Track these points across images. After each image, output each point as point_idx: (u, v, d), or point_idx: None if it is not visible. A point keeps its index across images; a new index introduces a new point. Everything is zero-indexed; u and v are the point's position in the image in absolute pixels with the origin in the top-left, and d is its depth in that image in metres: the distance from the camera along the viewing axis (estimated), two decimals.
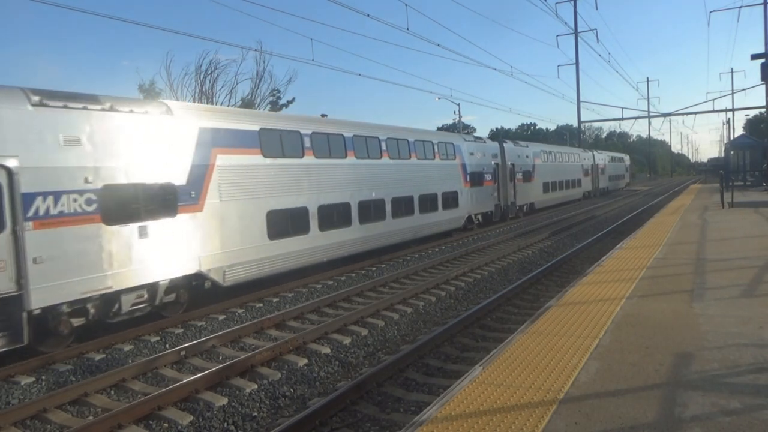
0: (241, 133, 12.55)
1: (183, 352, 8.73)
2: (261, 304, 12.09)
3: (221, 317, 11.11)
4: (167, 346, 9.52)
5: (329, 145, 15.43)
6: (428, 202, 20.00)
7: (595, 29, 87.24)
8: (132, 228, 9.87)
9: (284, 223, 13.42)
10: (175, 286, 10.84)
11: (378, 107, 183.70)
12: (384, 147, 17.79)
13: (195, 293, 11.52)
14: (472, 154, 23.86)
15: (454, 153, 22.32)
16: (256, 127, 13.01)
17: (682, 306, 6.56)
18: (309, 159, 14.50)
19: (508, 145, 29.05)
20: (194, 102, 29.90)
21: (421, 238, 19.93)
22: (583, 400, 4.10)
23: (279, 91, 34.12)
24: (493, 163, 26.10)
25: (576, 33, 52.78)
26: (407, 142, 19.23)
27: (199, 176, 11.30)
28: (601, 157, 52.09)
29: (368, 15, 23.71)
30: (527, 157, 31.29)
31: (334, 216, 15.16)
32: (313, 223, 14.38)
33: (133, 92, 29.57)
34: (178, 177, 10.88)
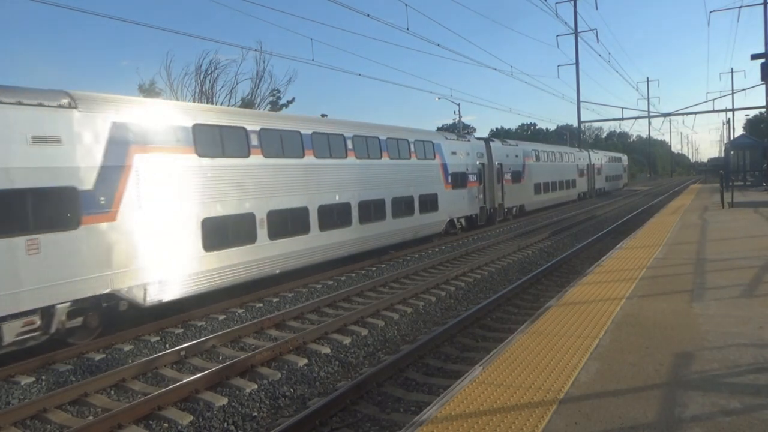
0: (170, 129, 10.90)
1: (183, 352, 8.73)
2: (261, 304, 12.09)
3: (221, 317, 11.11)
4: (167, 346, 9.52)
5: (283, 143, 13.82)
6: (403, 206, 18.40)
7: (595, 29, 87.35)
8: (15, 243, 8.27)
9: (224, 232, 11.82)
10: (81, 309, 9.29)
11: (378, 107, 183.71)
12: (350, 146, 16.14)
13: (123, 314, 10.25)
14: (454, 153, 22.31)
15: (433, 152, 20.78)
16: (188, 123, 11.33)
17: (682, 306, 6.56)
18: (257, 159, 12.87)
19: (495, 144, 27.51)
20: (194, 102, 29.90)
21: (398, 245, 18.55)
22: (583, 400, 4.09)
23: (279, 91, 34.13)
24: (478, 163, 24.49)
25: (576, 33, 52.80)
26: (378, 140, 17.57)
27: (112, 180, 9.68)
28: (598, 157, 50.56)
29: (368, 15, 23.66)
30: (517, 156, 29.86)
31: (288, 222, 13.61)
32: (263, 231, 12.77)
33: (133, 92, 29.58)
34: (83, 180, 9.24)
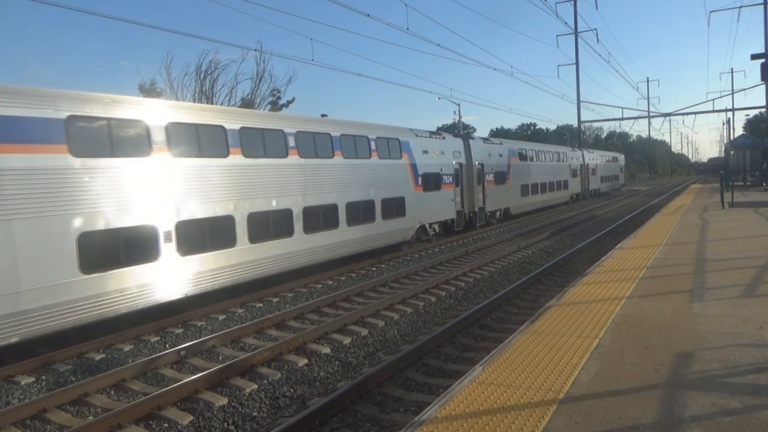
0: (32, 122, 8.72)
1: (183, 352, 8.73)
2: (261, 304, 12.08)
3: (221, 317, 11.11)
4: (167, 346, 9.52)
5: (200, 139, 11.45)
6: (361, 212, 16.17)
7: (595, 29, 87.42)
8: None
9: (113, 248, 9.74)
10: None
11: (378, 107, 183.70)
12: (292, 143, 13.82)
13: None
14: (425, 152, 20.10)
15: (399, 151, 18.46)
16: (61, 114, 9.14)
17: (682, 306, 6.56)
18: (163, 157, 10.62)
19: (475, 142, 25.22)
20: (194, 102, 29.92)
21: (358, 256, 16.46)
22: (583, 400, 4.09)
23: (279, 91, 34.15)
24: (454, 162, 22.27)
25: (576, 33, 52.77)
26: (329, 137, 15.27)
27: None
28: (592, 157, 48.46)
29: (368, 15, 23.68)
30: (500, 156, 27.66)
31: (206, 235, 11.39)
32: (169, 246, 10.63)
33: (133, 92, 29.60)
34: None
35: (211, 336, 9.44)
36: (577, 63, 53.95)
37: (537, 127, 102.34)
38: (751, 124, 71.03)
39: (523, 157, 30.90)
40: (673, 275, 8.38)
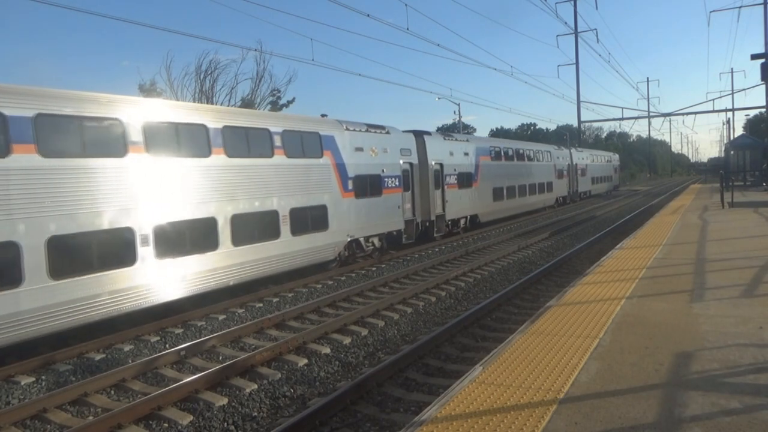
0: None
1: (183, 352, 8.73)
2: (261, 304, 12.08)
3: (221, 317, 11.11)
4: (167, 346, 9.52)
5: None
6: (256, 227, 12.65)
7: (595, 29, 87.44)
8: None
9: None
10: None
11: (378, 107, 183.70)
12: (137, 138, 10.24)
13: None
14: (359, 149, 16.43)
15: (319, 147, 14.84)
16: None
17: (682, 306, 6.56)
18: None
19: (432, 139, 21.54)
20: (194, 102, 29.93)
21: (256, 282, 13.05)
22: (583, 400, 4.09)
23: (279, 91, 34.14)
24: (402, 162, 18.66)
25: (576, 33, 52.78)
26: (204, 129, 11.50)
27: None
28: (582, 156, 44.62)
29: (368, 15, 23.65)
30: (466, 154, 23.92)
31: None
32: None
33: (133, 92, 29.60)
34: None
35: (211, 336, 9.44)
36: (577, 63, 54.00)
37: (537, 127, 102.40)
38: (751, 124, 71.05)
39: (496, 156, 27.31)
40: (673, 275, 8.38)
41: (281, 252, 13.29)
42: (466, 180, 23.58)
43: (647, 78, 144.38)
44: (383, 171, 17.58)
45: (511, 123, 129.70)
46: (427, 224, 20.78)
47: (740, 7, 51.95)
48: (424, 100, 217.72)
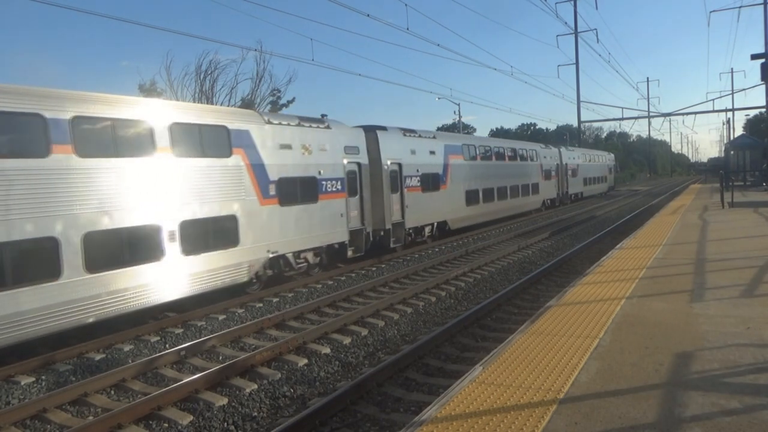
0: None
1: (183, 352, 8.73)
2: (261, 304, 12.09)
3: (221, 317, 11.11)
4: (167, 346, 9.52)
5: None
6: (127, 246, 10.09)
7: (595, 29, 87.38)
8: None
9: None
10: None
11: (378, 107, 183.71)
12: None
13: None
14: (286, 147, 13.69)
15: (228, 144, 12.14)
16: None
17: (682, 306, 6.56)
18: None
19: (389, 135, 18.71)
20: (194, 102, 29.95)
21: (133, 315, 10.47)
22: (583, 400, 4.09)
23: (279, 91, 34.16)
24: (347, 162, 15.93)
25: (576, 33, 52.80)
26: (43, 121, 8.96)
27: None
28: (573, 156, 41.35)
29: (368, 15, 23.67)
30: (433, 153, 21.18)
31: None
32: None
33: (133, 92, 29.61)
34: None
35: (211, 336, 9.44)
36: (577, 63, 54.01)
37: (537, 127, 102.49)
38: (751, 124, 71.05)
39: (470, 155, 24.34)
40: (673, 275, 8.38)
41: (166, 277, 10.59)
42: (432, 182, 20.88)
43: (647, 78, 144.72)
44: (320, 173, 14.85)
45: (511, 123, 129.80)
46: (382, 233, 17.96)
47: (740, 7, 52.06)
48: (424, 100, 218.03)
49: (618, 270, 9.14)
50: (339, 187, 15.58)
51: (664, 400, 4.01)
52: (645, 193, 55.17)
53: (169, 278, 10.71)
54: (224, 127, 12.19)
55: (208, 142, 11.82)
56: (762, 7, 38.43)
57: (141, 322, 10.47)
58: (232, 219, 12.11)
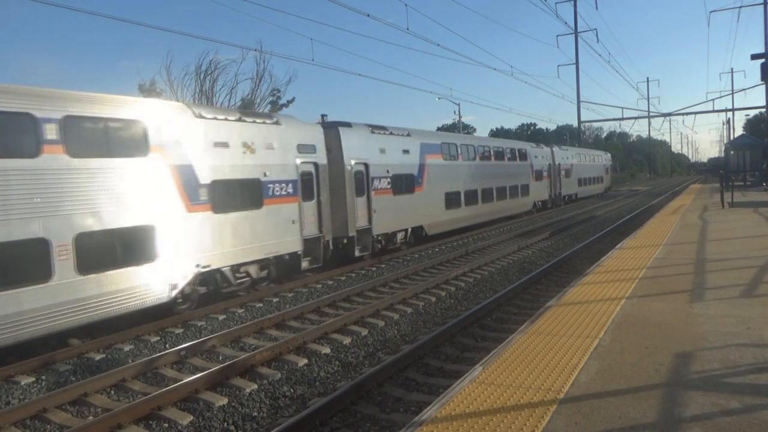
0: None
1: (183, 352, 8.73)
2: (261, 304, 12.09)
3: (221, 317, 11.11)
4: (167, 346, 9.52)
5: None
6: (1, 265, 8.27)
7: (595, 29, 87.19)
8: None
9: None
10: None
11: (378, 107, 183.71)
12: None
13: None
14: (222, 145, 11.93)
15: (145, 143, 10.36)
16: None
17: (682, 306, 6.56)
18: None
19: (352, 132, 16.77)
20: (194, 102, 29.95)
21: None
22: (583, 400, 4.10)
23: (279, 91, 34.12)
24: (299, 162, 14.09)
25: (576, 33, 52.78)
26: None
27: None
28: (566, 155, 39.40)
29: (368, 15, 23.64)
30: (406, 152, 19.28)
31: None
32: None
33: (133, 92, 29.60)
34: None
35: (211, 336, 9.44)
36: (577, 63, 53.98)
37: (537, 127, 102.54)
38: (751, 124, 71.07)
39: (449, 154, 22.42)
40: (673, 275, 8.38)
41: (55, 301, 8.80)
42: (405, 184, 18.96)
43: (647, 78, 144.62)
44: (266, 174, 13.00)
45: (511, 123, 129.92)
46: (345, 241, 16.16)
47: (740, 7, 51.93)
48: (424, 100, 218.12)
49: (618, 270, 9.14)
50: (290, 190, 13.75)
51: (664, 400, 4.01)
52: (645, 193, 55.17)
53: (59, 302, 8.87)
54: (138, 122, 10.30)
55: (118, 139, 10.04)
56: (762, 7, 38.43)
57: (141, 322, 10.47)
58: (148, 229, 10.28)
